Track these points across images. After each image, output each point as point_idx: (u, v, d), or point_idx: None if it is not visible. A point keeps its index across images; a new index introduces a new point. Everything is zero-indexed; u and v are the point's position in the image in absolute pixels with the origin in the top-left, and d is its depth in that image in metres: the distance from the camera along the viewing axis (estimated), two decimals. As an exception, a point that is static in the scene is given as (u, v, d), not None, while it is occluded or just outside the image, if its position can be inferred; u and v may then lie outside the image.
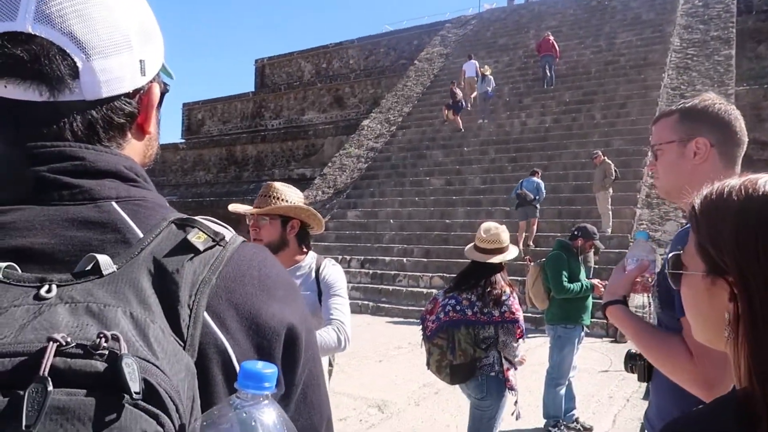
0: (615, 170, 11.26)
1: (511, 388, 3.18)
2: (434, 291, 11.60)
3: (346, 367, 7.00)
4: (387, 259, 13.17)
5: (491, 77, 16.96)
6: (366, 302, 11.93)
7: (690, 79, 15.16)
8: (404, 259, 12.95)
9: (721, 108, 1.44)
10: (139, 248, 0.59)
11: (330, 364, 2.65)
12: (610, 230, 11.33)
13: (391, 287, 12.30)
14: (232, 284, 0.62)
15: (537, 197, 11.48)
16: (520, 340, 3.20)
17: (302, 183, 19.25)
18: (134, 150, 0.71)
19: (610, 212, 11.39)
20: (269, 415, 0.51)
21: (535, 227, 11.81)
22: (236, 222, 2.40)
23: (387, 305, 11.65)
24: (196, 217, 0.65)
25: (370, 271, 12.93)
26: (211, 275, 0.60)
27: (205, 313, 0.59)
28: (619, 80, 16.67)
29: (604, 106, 15.85)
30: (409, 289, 12.04)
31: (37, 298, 0.51)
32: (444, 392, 5.94)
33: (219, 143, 24.77)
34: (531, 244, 11.73)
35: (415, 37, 24.85)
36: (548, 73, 17.31)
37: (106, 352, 0.48)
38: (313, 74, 27.22)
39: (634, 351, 1.54)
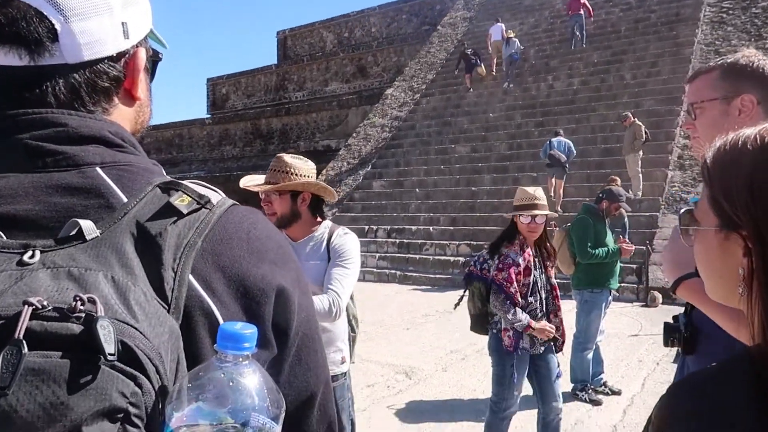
0: (645, 132, 10.98)
1: (509, 350, 3.24)
2: (461, 259, 11.60)
3: (374, 335, 7.09)
4: (413, 228, 13.17)
5: (516, 40, 16.65)
6: (393, 271, 12.01)
7: (725, 34, 14.55)
8: (430, 228, 12.93)
9: (766, 64, 1.36)
10: (123, 213, 0.59)
11: (353, 331, 2.66)
12: (640, 193, 11.11)
13: (417, 256, 12.33)
14: (218, 247, 0.62)
15: (568, 158, 11.60)
16: (515, 309, 3.18)
17: (327, 154, 19.29)
18: (123, 116, 0.70)
19: (641, 175, 11.16)
20: (248, 375, 0.51)
21: (561, 191, 11.86)
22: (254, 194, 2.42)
23: (414, 274, 11.70)
24: (183, 181, 0.65)
25: (397, 241, 12.96)
26: (197, 238, 0.60)
27: (191, 276, 0.58)
28: (650, 38, 16.09)
29: (633, 66, 15.35)
30: (436, 257, 12.05)
31: (20, 264, 0.52)
32: (471, 358, 5.98)
33: (244, 117, 24.89)
34: (559, 209, 11.60)
35: (437, 2, 24.30)
36: (578, 33, 16.76)
37: (83, 315, 0.48)
38: (335, 44, 26.96)
39: (673, 323, 1.48)
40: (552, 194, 11.36)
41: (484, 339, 6.94)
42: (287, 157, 2.42)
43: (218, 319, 0.59)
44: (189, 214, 0.61)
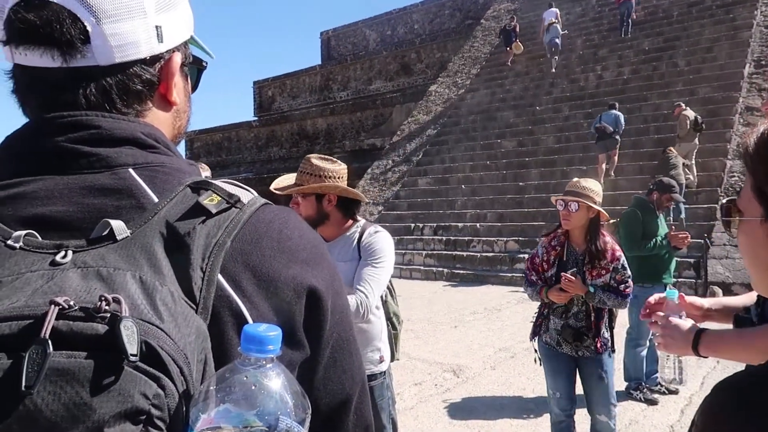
0: (695, 119, 10.64)
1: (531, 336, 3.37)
2: (508, 255, 11.44)
3: (421, 333, 7.07)
4: (460, 225, 13.06)
5: (558, 26, 16.58)
6: (440, 269, 11.94)
7: (787, 15, 13.79)
8: (477, 224, 12.79)
9: None
10: (153, 213, 0.59)
11: (394, 328, 2.65)
12: (691, 181, 10.73)
13: (465, 253, 12.22)
14: (248, 247, 0.62)
15: (617, 129, 11.56)
16: (529, 286, 3.25)
17: (373, 153, 19.36)
18: (159, 120, 0.71)
19: (693, 164, 10.79)
20: (273, 378, 0.50)
21: (616, 158, 11.89)
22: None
23: (462, 271, 11.61)
24: (215, 180, 0.65)
25: (443, 238, 12.89)
26: (226, 238, 0.60)
27: (220, 276, 0.58)
28: (705, 22, 15.42)
29: (687, 52, 14.74)
30: (483, 254, 11.92)
31: (53, 264, 0.53)
32: (519, 356, 5.88)
33: (289, 119, 25.25)
34: (612, 174, 11.95)
35: (480, -5, 24.03)
36: (626, 21, 16.28)
37: (108, 315, 0.48)
38: (378, 42, 27.02)
39: (744, 314, 1.41)
40: (601, 175, 11.47)
41: (533, 337, 6.81)
42: (314, 159, 2.40)
43: (247, 320, 0.59)
44: (218, 213, 0.61)
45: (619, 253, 3.13)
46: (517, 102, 16.45)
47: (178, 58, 0.71)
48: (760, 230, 0.69)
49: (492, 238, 12.19)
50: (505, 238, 11.98)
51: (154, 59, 0.68)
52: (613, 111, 11.83)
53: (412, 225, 13.66)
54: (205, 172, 3.93)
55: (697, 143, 10.81)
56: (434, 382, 5.25)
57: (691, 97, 12.75)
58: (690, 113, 10.79)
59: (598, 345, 3.08)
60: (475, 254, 12.00)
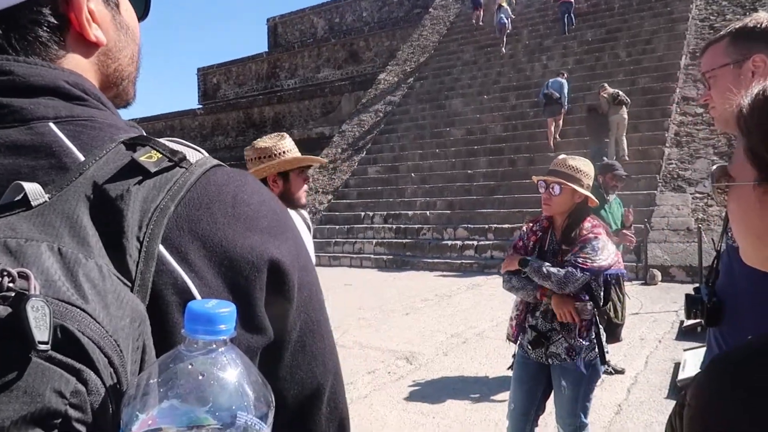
0: (614, 93, 11.38)
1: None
2: (459, 243, 11.55)
3: (373, 321, 7.03)
4: (410, 213, 13.08)
5: (507, 7, 17.34)
6: (391, 257, 11.94)
7: (720, 9, 14.40)
8: (427, 212, 12.85)
9: None
10: (78, 173, 0.49)
11: None
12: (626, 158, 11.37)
13: (415, 241, 12.26)
14: (197, 212, 0.52)
15: (561, 95, 12.51)
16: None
17: (321, 141, 19.13)
18: (81, 67, 0.59)
19: (624, 139, 11.49)
20: (225, 365, 0.40)
21: (560, 122, 12.83)
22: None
23: (412, 259, 11.64)
24: (155, 138, 0.55)
25: (394, 226, 12.88)
26: (169, 202, 0.50)
27: (162, 247, 0.49)
28: (644, 14, 15.94)
29: (628, 44, 15.21)
30: (434, 242, 11.99)
31: None
32: (471, 341, 5.93)
33: (236, 106, 24.65)
34: (558, 137, 12.85)
35: (429, -16, 24.05)
36: (565, 21, 16.68)
37: (12, 295, 0.38)
38: (326, 30, 26.67)
39: (695, 294, 1.42)
40: (551, 138, 12.70)
41: (484, 323, 6.91)
42: (257, 143, 2.37)
43: (196, 298, 0.49)
44: (159, 173, 0.51)
45: (595, 236, 2.59)
46: (465, 91, 16.58)
47: None
48: (753, 195, 0.65)
49: (442, 226, 12.27)
50: (454, 226, 12.08)
51: None
52: (560, 78, 12.78)
53: (363, 213, 13.59)
54: None
55: (625, 117, 11.32)
56: (387, 369, 5.22)
57: (631, 87, 13.16)
58: (610, 90, 11.53)
59: (566, 352, 2.60)
60: (425, 242, 12.05)
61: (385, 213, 13.33)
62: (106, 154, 0.51)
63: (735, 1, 14.42)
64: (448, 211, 12.68)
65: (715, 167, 0.77)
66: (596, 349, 2.63)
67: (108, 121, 0.57)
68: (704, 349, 1.57)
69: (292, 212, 2.33)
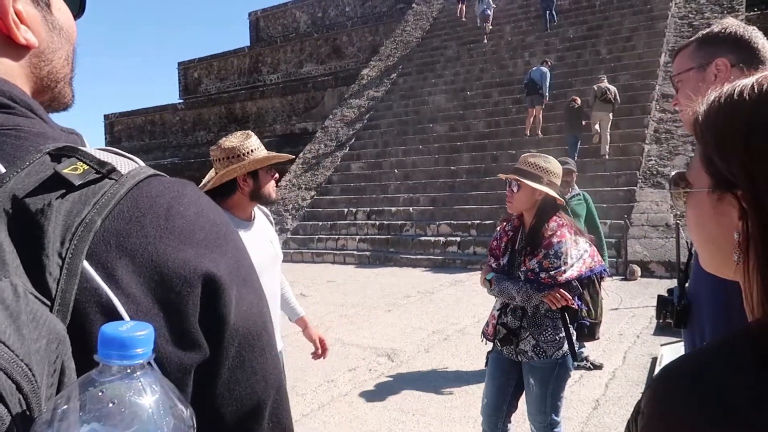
0: (603, 90, 11.60)
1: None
2: (442, 239, 11.58)
3: (355, 318, 7.02)
4: (393, 209, 13.08)
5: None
6: (374, 253, 11.93)
7: (698, 7, 14.56)
8: (410, 209, 12.85)
9: (739, 28, 1.37)
10: None
11: None
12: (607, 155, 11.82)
13: (398, 237, 12.25)
14: (126, 226, 0.50)
15: (542, 85, 12.70)
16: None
17: (304, 137, 19.04)
18: (11, 71, 0.56)
19: (607, 135, 11.75)
20: (140, 390, 0.38)
21: (540, 116, 13.04)
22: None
23: (395, 255, 11.63)
24: (84, 147, 0.53)
25: (377, 222, 12.87)
26: (96, 216, 0.48)
27: (86, 263, 0.47)
28: (625, 12, 16.07)
29: (609, 41, 15.33)
30: (417, 238, 11.99)
31: None
32: (453, 338, 5.94)
33: (217, 101, 24.41)
34: (539, 133, 13.04)
35: (412, -21, 23.99)
36: (547, 18, 16.77)
37: None
38: (309, 25, 26.48)
39: (667, 296, 1.42)
40: (528, 127, 13.08)
41: (466, 319, 6.93)
42: (222, 142, 2.31)
43: (122, 317, 0.47)
44: (85, 185, 0.49)
45: (558, 239, 2.57)
46: (449, 87, 16.59)
47: None
48: (708, 202, 0.65)
49: (425, 222, 12.28)
50: (437, 222, 12.10)
51: None
52: (542, 67, 12.98)
53: (346, 210, 13.56)
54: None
55: (610, 117, 11.60)
56: (368, 367, 5.21)
57: (612, 84, 13.25)
58: (602, 86, 11.67)
59: (533, 349, 2.61)
60: (408, 238, 12.05)
61: (368, 209, 13.31)
62: (29, 165, 0.48)
63: (714, -1, 14.60)
64: (431, 207, 12.69)
65: (674, 173, 0.76)
66: (565, 346, 2.61)
67: (35, 129, 0.54)
68: (682, 344, 1.58)
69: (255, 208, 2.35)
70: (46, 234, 0.45)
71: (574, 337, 2.68)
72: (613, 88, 11.64)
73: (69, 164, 0.49)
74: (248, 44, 27.59)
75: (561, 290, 2.55)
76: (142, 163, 0.56)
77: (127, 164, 0.54)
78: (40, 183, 0.47)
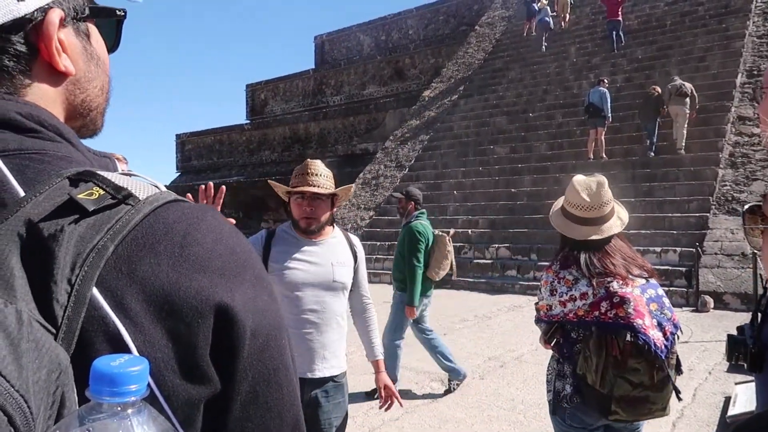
0: (678, 86, 11.44)
1: None
2: (500, 262, 11.33)
3: (409, 340, 6.93)
4: (451, 231, 12.93)
5: (548, 8, 18.07)
6: (431, 275, 11.80)
7: (779, 25, 13.82)
8: (469, 231, 12.68)
9: None
10: (15, 210, 0.46)
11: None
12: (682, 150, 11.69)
13: (456, 259, 12.07)
14: (139, 253, 0.49)
15: (603, 106, 12.33)
16: None
17: (365, 158, 19.23)
18: (46, 97, 0.58)
19: (684, 132, 11.57)
20: (128, 430, 0.36)
21: (603, 138, 12.63)
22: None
23: (452, 278, 11.45)
24: (104, 172, 0.52)
25: (435, 244, 12.75)
26: (108, 242, 0.47)
27: (96, 291, 0.45)
28: (698, 32, 15.44)
29: (680, 61, 14.74)
30: (475, 261, 11.80)
31: None
32: (509, 366, 5.76)
33: (282, 122, 25.10)
34: (603, 155, 12.56)
35: (475, 2, 24.00)
36: (614, 38, 16.34)
37: None
38: (372, 47, 26.94)
39: (738, 335, 1.28)
40: (589, 146, 12.71)
41: (524, 346, 6.72)
42: (318, 162, 2.46)
43: (128, 346, 0.46)
44: (99, 211, 0.48)
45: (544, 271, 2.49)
46: (510, 108, 16.39)
47: (55, 16, 0.57)
48: None
49: (483, 245, 12.08)
50: (496, 245, 11.88)
51: (19, 23, 0.54)
52: (600, 87, 12.59)
53: (404, 231, 13.52)
54: (122, 165, 3.76)
55: (686, 111, 11.40)
56: (421, 391, 5.12)
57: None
58: (676, 83, 11.56)
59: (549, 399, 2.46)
60: (466, 261, 11.88)
61: (426, 230, 13.22)
62: (48, 190, 0.48)
63: (796, 16, 13.83)
64: (490, 230, 12.48)
65: (747, 206, 0.69)
66: (559, 399, 2.39)
67: (61, 153, 0.54)
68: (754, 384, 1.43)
69: (339, 233, 2.50)
70: (57, 260, 0.44)
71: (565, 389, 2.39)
72: (688, 84, 11.49)
73: (85, 189, 0.49)
74: (313, 67, 28.32)
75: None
76: (163, 188, 0.55)
77: (145, 188, 0.53)
78: (55, 208, 0.47)
